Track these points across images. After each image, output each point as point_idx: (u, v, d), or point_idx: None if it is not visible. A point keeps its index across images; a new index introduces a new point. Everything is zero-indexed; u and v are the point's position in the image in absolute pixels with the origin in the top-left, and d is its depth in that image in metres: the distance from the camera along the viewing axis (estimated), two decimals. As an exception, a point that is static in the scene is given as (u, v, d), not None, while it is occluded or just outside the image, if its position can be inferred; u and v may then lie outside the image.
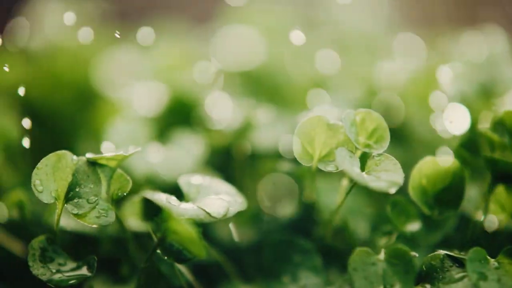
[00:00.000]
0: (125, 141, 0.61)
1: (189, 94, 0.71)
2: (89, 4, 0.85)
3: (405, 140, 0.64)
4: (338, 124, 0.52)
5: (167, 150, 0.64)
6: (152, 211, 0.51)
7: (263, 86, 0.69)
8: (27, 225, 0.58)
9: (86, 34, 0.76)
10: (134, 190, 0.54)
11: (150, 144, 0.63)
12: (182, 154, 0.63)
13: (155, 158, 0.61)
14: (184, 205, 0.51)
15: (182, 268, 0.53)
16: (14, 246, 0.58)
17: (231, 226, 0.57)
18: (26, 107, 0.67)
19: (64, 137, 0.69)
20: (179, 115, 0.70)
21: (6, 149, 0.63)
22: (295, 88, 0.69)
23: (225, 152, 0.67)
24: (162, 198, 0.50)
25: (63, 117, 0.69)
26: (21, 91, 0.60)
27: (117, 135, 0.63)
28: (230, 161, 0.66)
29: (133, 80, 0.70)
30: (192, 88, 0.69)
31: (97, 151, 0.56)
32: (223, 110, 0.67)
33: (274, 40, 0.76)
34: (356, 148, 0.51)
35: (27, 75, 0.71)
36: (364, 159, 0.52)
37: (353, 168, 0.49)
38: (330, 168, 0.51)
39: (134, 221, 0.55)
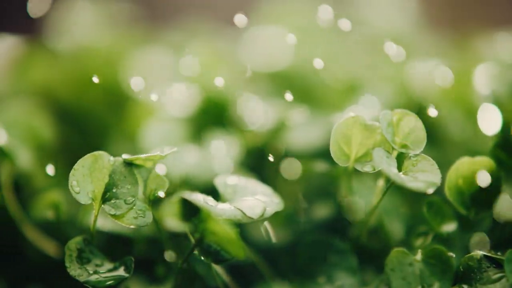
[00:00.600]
0: (159, 142, 0.61)
1: (221, 95, 0.70)
2: (119, 4, 0.86)
3: (438, 141, 0.65)
4: (375, 124, 0.52)
5: (202, 151, 0.64)
6: (190, 211, 0.51)
7: (293, 87, 0.69)
8: (62, 226, 0.58)
9: (115, 35, 0.76)
10: (169, 191, 0.53)
11: (184, 145, 0.63)
12: (217, 155, 0.63)
13: (190, 159, 0.61)
14: (221, 206, 0.51)
15: (217, 268, 0.53)
16: (49, 246, 0.58)
17: (266, 226, 0.57)
18: (56, 108, 0.67)
19: (94, 138, 0.69)
20: (212, 116, 0.70)
21: (38, 150, 0.63)
22: (326, 89, 0.69)
23: (259, 153, 0.67)
24: (199, 199, 0.50)
25: (93, 118, 0.69)
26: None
27: (151, 136, 0.63)
28: (264, 162, 0.66)
29: (164, 81, 0.70)
30: (224, 88, 0.69)
31: (129, 152, 0.56)
32: (256, 111, 0.67)
33: (304, 40, 0.76)
34: (393, 149, 0.52)
35: (57, 76, 0.71)
36: (400, 159, 0.52)
37: (390, 169, 0.49)
38: (367, 168, 0.52)
39: (171, 222, 0.55)
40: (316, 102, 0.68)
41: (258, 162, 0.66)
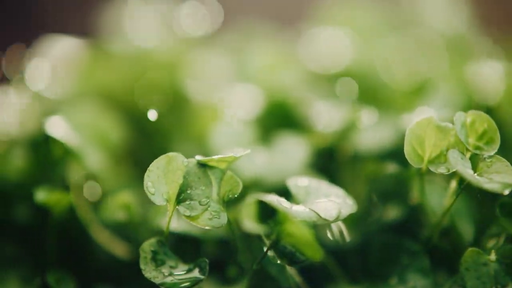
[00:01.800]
0: (226, 144, 0.61)
1: (286, 96, 0.70)
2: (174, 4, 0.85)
3: (506, 143, 0.65)
4: (448, 126, 0.52)
5: (271, 152, 0.64)
6: (265, 213, 0.51)
7: (357, 88, 0.69)
8: (132, 227, 0.58)
9: (173, 36, 0.76)
10: (241, 193, 0.53)
11: (253, 147, 0.63)
12: (286, 156, 0.63)
13: (259, 161, 0.61)
14: (295, 208, 0.51)
15: (290, 270, 0.53)
16: (118, 247, 0.58)
17: (337, 227, 0.57)
18: (119, 110, 0.67)
19: (158, 140, 0.68)
20: (278, 118, 0.70)
21: (106, 152, 0.62)
22: (391, 89, 0.69)
23: (327, 154, 0.67)
24: (276, 201, 0.50)
25: (156, 120, 0.69)
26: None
27: (218, 138, 0.63)
28: (332, 163, 0.66)
29: (227, 83, 0.70)
30: (289, 89, 0.69)
31: (196, 154, 0.56)
32: (323, 112, 0.67)
33: (364, 40, 0.76)
34: (466, 150, 0.52)
35: (117, 78, 0.71)
36: (473, 161, 0.52)
37: (466, 170, 0.50)
38: (441, 170, 0.52)
39: (245, 223, 0.54)
40: (381, 103, 0.68)
41: (327, 164, 0.66)
